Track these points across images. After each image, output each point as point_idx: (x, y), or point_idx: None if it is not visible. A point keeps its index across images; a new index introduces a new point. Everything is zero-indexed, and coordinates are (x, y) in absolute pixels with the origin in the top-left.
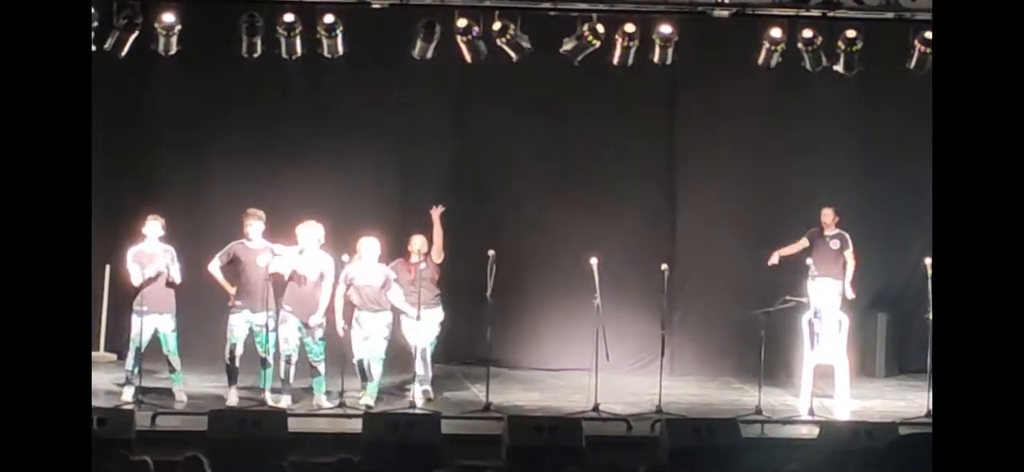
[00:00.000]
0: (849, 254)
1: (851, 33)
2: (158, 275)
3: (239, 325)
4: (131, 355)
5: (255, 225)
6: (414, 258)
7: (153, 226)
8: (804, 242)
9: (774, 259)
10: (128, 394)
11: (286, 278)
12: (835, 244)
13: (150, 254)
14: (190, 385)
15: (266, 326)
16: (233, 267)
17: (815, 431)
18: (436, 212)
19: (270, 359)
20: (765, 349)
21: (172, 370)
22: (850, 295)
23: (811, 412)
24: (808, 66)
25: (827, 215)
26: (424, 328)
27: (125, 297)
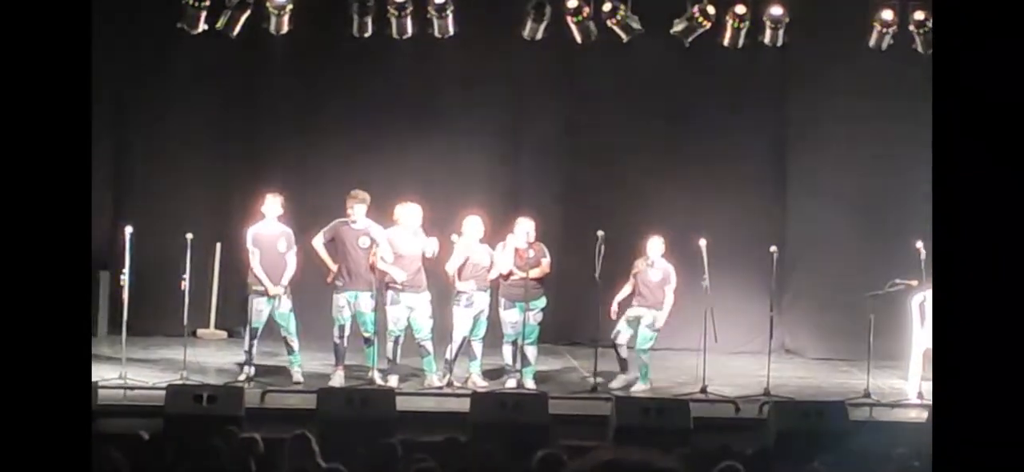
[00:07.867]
0: None
1: None
2: (280, 256)
3: (344, 305)
4: (248, 335)
5: (358, 207)
6: (521, 243)
7: (273, 204)
8: None
9: None
10: (250, 374)
11: (391, 260)
12: None
13: (270, 235)
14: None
15: (370, 306)
16: (335, 246)
17: (924, 415)
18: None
19: (374, 338)
20: (874, 332)
21: (290, 351)
22: None
23: (920, 396)
24: (919, 48)
25: None
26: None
27: (236, 275)
